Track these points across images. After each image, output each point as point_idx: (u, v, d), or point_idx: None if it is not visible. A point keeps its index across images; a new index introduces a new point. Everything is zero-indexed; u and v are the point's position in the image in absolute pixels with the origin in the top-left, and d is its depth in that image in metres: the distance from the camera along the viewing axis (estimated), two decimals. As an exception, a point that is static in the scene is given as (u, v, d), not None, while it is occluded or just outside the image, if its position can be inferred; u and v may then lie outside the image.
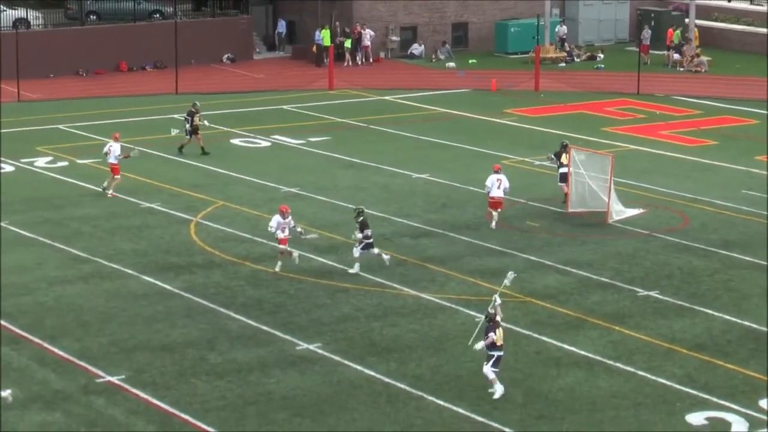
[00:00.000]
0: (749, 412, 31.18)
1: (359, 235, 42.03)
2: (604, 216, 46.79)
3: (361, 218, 42.17)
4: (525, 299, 39.59)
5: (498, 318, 32.59)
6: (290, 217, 42.14)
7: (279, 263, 42.07)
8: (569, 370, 34.49)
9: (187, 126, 57.36)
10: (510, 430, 30.73)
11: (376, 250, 42.41)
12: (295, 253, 42.49)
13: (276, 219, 41.87)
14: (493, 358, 32.18)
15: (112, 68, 77.96)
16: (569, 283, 41.50)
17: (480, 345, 32.24)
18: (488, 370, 32.22)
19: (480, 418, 31.38)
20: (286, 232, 41.90)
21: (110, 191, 51.16)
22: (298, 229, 42.53)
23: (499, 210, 47.38)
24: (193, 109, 57.83)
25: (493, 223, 47.41)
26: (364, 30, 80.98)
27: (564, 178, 49.58)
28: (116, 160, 51.68)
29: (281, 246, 41.99)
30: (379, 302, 39.53)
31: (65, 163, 56.24)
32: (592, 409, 31.99)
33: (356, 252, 42.28)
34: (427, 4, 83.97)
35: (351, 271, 42.07)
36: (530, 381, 33.76)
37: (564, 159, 48.47)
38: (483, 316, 32.74)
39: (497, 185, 47.20)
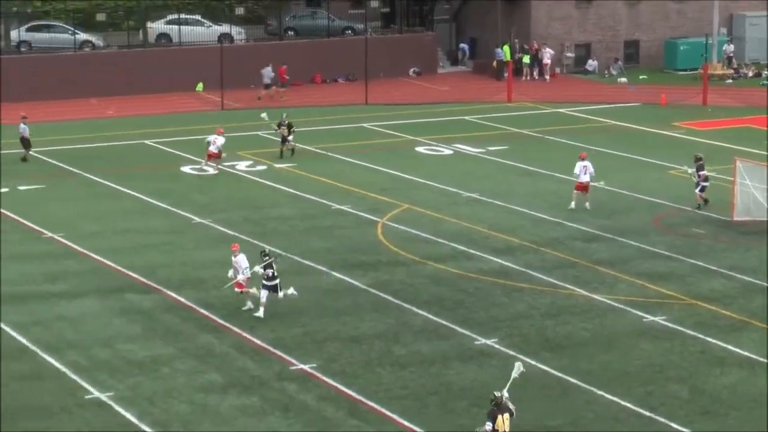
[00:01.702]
0: None
1: (260, 270, 37.75)
2: (768, 225, 46.29)
3: (267, 259, 37.95)
4: (691, 302, 39.19)
5: (507, 402, 27.02)
6: (241, 255, 38.25)
7: (248, 303, 38.52)
8: (732, 369, 34.10)
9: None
10: (676, 425, 30.50)
11: (281, 294, 37.98)
12: (253, 289, 38.34)
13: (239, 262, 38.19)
14: None
15: (307, 80, 78.64)
16: (733, 287, 40.92)
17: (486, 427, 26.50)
18: None
19: (647, 413, 31.11)
20: (240, 275, 37.97)
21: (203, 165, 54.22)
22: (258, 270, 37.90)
23: (587, 193, 49.66)
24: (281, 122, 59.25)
25: (573, 204, 49.52)
26: (544, 48, 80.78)
27: (703, 188, 49.79)
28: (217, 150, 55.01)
29: (242, 290, 38.28)
30: (552, 301, 39.40)
31: (264, 167, 56.80)
32: (753, 407, 31.63)
33: (263, 296, 37.75)
34: (601, 23, 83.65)
35: (256, 314, 37.80)
36: (695, 379, 33.43)
37: (704, 171, 49.14)
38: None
39: (584, 171, 49.19)
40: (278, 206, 50.59)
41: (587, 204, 49.47)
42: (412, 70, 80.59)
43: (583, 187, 49.45)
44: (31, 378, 33.52)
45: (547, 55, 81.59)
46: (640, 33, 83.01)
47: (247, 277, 37.96)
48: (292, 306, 38.81)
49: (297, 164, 57.07)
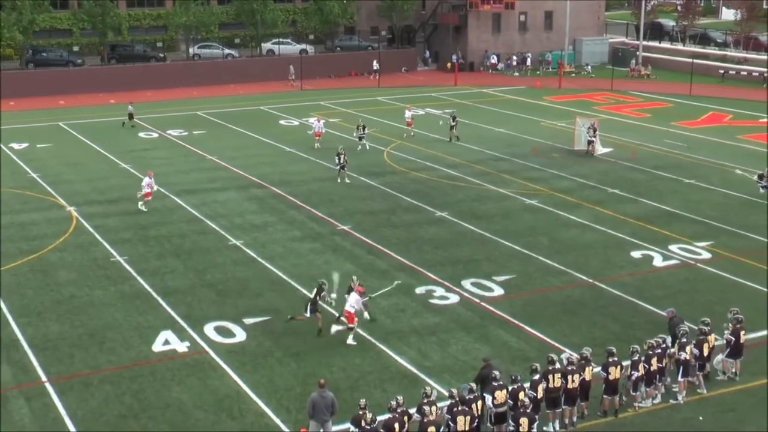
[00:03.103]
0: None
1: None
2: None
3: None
4: (551, 192, 38.76)
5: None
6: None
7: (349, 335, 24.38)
8: (572, 228, 33.79)
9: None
10: (542, 258, 30.24)
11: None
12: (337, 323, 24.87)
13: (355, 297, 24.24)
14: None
15: (347, 74, 77.54)
16: (573, 185, 40.17)
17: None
18: None
19: (526, 251, 30.96)
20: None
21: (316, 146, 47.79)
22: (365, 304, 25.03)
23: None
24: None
25: None
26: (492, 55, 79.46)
27: (590, 142, 46.13)
28: (319, 130, 48.25)
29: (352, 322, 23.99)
30: (477, 192, 38.93)
31: (321, 122, 55.36)
32: (585, 249, 31.44)
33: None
34: (505, 43, 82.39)
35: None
36: (552, 233, 33.20)
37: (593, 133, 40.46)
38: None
39: None
40: (331, 141, 49.96)
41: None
42: (403, 68, 79.47)
43: None
44: (200, 233, 33.62)
45: (493, 59, 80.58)
46: (526, 49, 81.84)
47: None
48: (340, 194, 38.69)
49: (341, 119, 56.47)
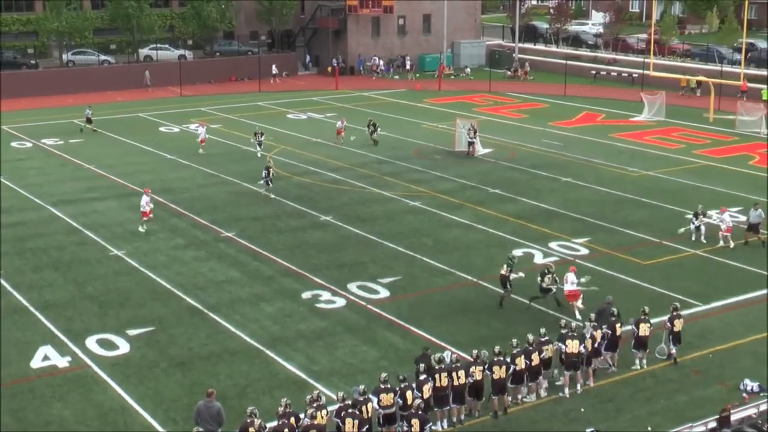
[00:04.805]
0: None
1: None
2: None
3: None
4: (434, 194, 39.29)
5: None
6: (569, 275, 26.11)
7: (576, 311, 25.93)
8: (455, 228, 34.30)
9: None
10: (426, 259, 30.59)
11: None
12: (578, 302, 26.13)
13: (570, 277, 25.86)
14: None
15: (226, 79, 76.49)
16: (455, 186, 40.73)
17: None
18: None
19: (411, 253, 31.21)
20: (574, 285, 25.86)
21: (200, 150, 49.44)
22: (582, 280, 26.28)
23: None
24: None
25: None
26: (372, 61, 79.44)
27: (470, 143, 46.70)
28: (204, 137, 48.25)
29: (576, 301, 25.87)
30: (361, 196, 39.04)
31: (205, 128, 54.59)
32: (467, 248, 31.92)
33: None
34: (384, 47, 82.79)
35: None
36: (435, 234, 33.60)
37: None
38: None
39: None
40: (212, 147, 49.39)
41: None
42: (284, 72, 79.00)
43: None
44: (79, 244, 32.75)
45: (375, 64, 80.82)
46: (405, 52, 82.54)
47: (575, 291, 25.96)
48: (223, 200, 38.26)
49: (222, 125, 55.77)
